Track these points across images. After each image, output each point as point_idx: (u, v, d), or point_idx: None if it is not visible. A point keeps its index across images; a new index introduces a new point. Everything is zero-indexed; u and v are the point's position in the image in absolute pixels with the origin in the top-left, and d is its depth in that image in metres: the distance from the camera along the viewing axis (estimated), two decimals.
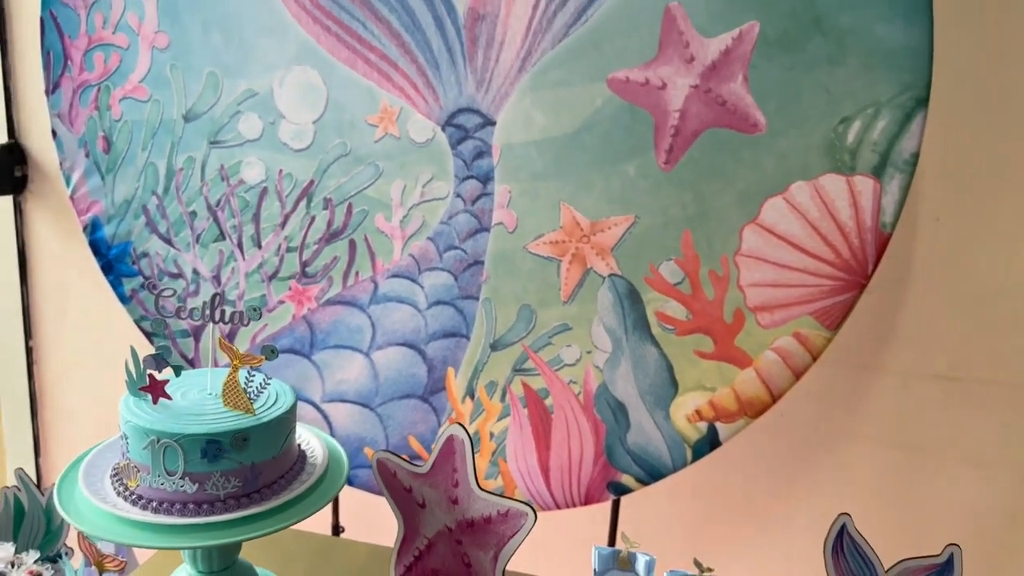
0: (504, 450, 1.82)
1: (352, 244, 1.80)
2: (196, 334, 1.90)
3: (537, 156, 1.67)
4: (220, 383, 1.12)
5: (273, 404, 1.06)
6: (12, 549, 1.37)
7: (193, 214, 1.85)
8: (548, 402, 1.78)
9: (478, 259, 1.75)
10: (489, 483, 1.81)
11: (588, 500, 1.77)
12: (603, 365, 1.73)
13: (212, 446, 0.96)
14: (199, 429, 0.98)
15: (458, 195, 1.74)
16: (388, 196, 1.77)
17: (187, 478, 0.96)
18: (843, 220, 1.56)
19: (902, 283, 1.73)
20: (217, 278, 1.87)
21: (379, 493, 1.88)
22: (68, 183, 1.89)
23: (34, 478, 1.41)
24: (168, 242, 1.88)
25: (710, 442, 1.71)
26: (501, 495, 1.04)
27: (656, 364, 1.70)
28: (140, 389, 1.05)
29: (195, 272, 1.87)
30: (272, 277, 1.85)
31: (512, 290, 1.75)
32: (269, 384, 1.09)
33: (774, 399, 1.66)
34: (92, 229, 1.90)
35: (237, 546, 1.09)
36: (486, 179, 1.72)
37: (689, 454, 1.72)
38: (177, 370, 1.15)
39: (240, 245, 1.85)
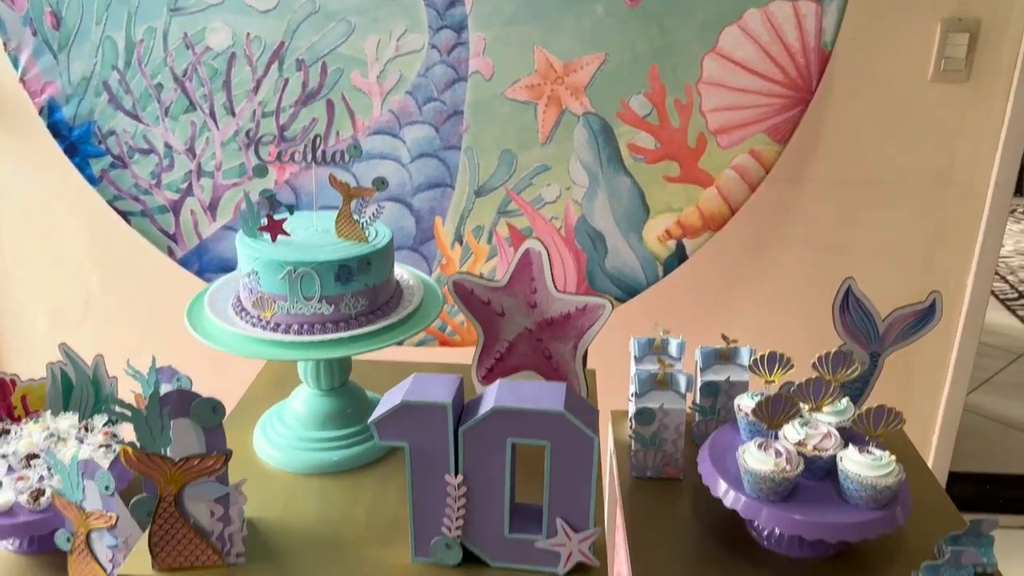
0: None
1: (330, 104, 1.84)
2: (175, 209, 1.91)
3: (509, 1, 1.75)
4: (324, 222, 1.19)
5: (377, 235, 1.15)
6: (76, 418, 1.42)
7: (159, 86, 1.83)
8: None
9: (457, 109, 1.84)
10: None
11: None
12: (581, 199, 1.88)
13: (343, 270, 1.05)
14: (330, 256, 1.06)
15: (433, 46, 1.80)
16: (363, 52, 1.81)
17: (324, 301, 1.06)
18: (790, 42, 1.75)
19: (824, 99, 1.95)
20: (191, 150, 1.87)
21: None
22: (16, 65, 1.81)
23: None
24: (135, 118, 1.85)
25: (679, 257, 1.92)
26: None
27: (629, 192, 1.87)
28: (259, 229, 1.11)
29: (167, 146, 1.87)
30: (250, 144, 1.87)
31: (492, 136, 1.85)
32: (382, 213, 1.16)
33: (733, 212, 1.88)
34: (49, 111, 1.84)
35: (349, 366, 1.19)
36: (460, 28, 1.79)
37: (660, 270, 1.93)
38: (291, 208, 1.21)
39: (213, 114, 1.85)
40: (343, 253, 1.07)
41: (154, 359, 1.42)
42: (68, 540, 1.22)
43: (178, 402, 0.93)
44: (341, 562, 0.99)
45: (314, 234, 1.16)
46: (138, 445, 0.91)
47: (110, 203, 1.91)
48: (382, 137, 1.87)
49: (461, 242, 1.93)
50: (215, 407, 0.92)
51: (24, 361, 2.39)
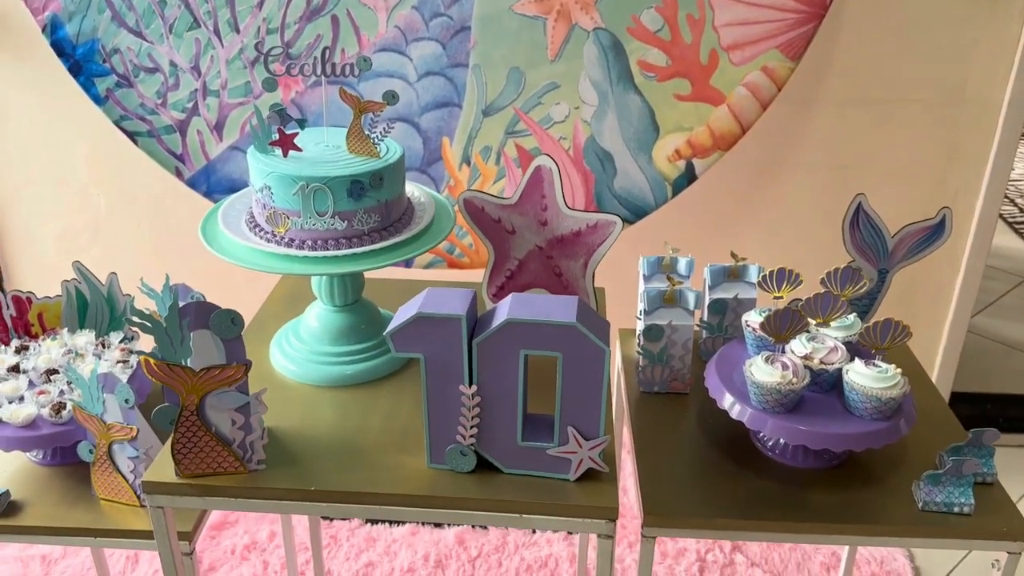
0: None
1: (335, 20, 1.81)
2: (182, 129, 1.90)
3: None
4: (335, 137, 1.19)
5: (388, 151, 1.15)
6: (92, 335, 1.44)
7: (162, 3, 1.80)
8: None
9: (464, 25, 1.81)
10: None
11: None
12: (590, 119, 1.87)
13: (356, 186, 1.06)
14: (342, 172, 1.06)
15: None
16: None
17: (336, 217, 1.06)
18: None
19: (838, 15, 1.91)
20: (196, 68, 1.85)
21: None
22: None
23: None
24: (139, 35, 1.83)
25: (688, 178, 1.91)
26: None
27: (639, 111, 1.86)
28: (270, 144, 1.11)
29: (172, 64, 1.85)
30: (255, 62, 1.85)
31: (500, 54, 1.83)
32: (392, 130, 1.16)
33: (744, 131, 1.87)
34: (52, 29, 1.82)
35: (362, 282, 1.21)
36: None
37: (669, 191, 1.92)
38: (301, 123, 1.20)
39: (217, 31, 1.82)
40: (355, 168, 1.08)
41: (168, 276, 1.44)
42: (90, 452, 1.25)
43: (197, 314, 0.94)
44: (359, 468, 1.02)
45: (325, 150, 1.16)
46: (159, 356, 0.93)
47: (117, 123, 1.90)
48: (388, 55, 1.84)
49: (469, 163, 1.92)
50: (234, 318, 0.94)
51: (34, 283, 2.42)
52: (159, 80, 1.86)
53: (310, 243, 1.07)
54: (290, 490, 0.98)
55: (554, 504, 0.96)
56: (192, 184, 1.95)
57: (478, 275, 1.31)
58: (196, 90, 1.87)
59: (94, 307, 1.50)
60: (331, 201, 1.05)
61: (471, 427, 0.97)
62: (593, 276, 1.23)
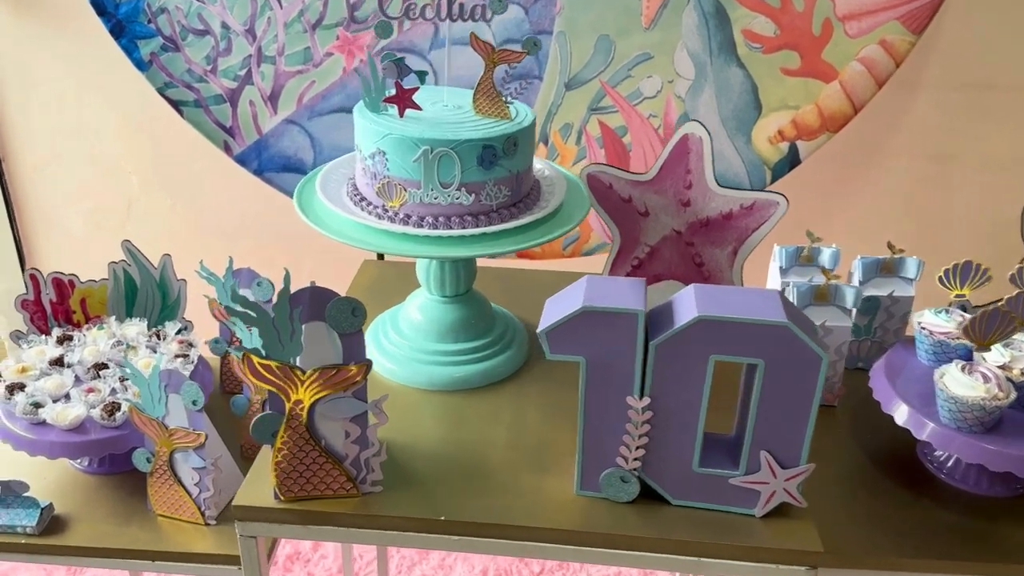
0: None
1: None
2: (233, 99, 1.72)
3: None
4: (456, 97, 1.01)
5: (518, 114, 0.97)
6: (144, 324, 1.27)
7: None
8: (626, 140, 1.73)
9: None
10: None
11: None
12: (685, 94, 1.69)
13: (488, 152, 0.87)
14: (472, 134, 0.88)
15: None
16: None
17: (463, 189, 0.88)
18: None
19: None
20: (251, 31, 1.67)
21: None
22: None
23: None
24: None
25: (790, 162, 1.73)
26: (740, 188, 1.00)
27: (741, 87, 1.67)
28: (384, 101, 0.93)
29: (224, 26, 1.66)
30: (316, 25, 1.67)
31: (588, 20, 1.65)
32: (527, 88, 0.98)
33: (856, 111, 1.68)
34: None
35: (475, 269, 1.03)
36: None
37: (768, 176, 1.74)
38: (421, 76, 1.01)
39: None
40: (487, 131, 0.89)
41: (231, 260, 1.26)
42: (148, 460, 1.07)
43: (312, 302, 0.76)
44: (491, 493, 0.84)
45: (444, 110, 0.98)
46: (263, 353, 0.75)
47: (160, 91, 1.72)
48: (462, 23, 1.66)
49: (546, 143, 1.74)
50: (355, 308, 0.76)
51: (59, 266, 2.23)
52: (209, 44, 1.68)
53: (430, 220, 0.89)
54: (413, 519, 0.80)
55: (740, 547, 0.78)
56: (242, 161, 1.77)
57: (559, 266, 1.13)
58: (250, 56, 1.69)
59: (144, 293, 1.33)
60: (458, 170, 0.87)
61: (637, 447, 0.79)
62: (742, 268, 1.05)
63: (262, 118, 1.74)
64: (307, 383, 0.76)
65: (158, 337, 1.23)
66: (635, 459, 0.80)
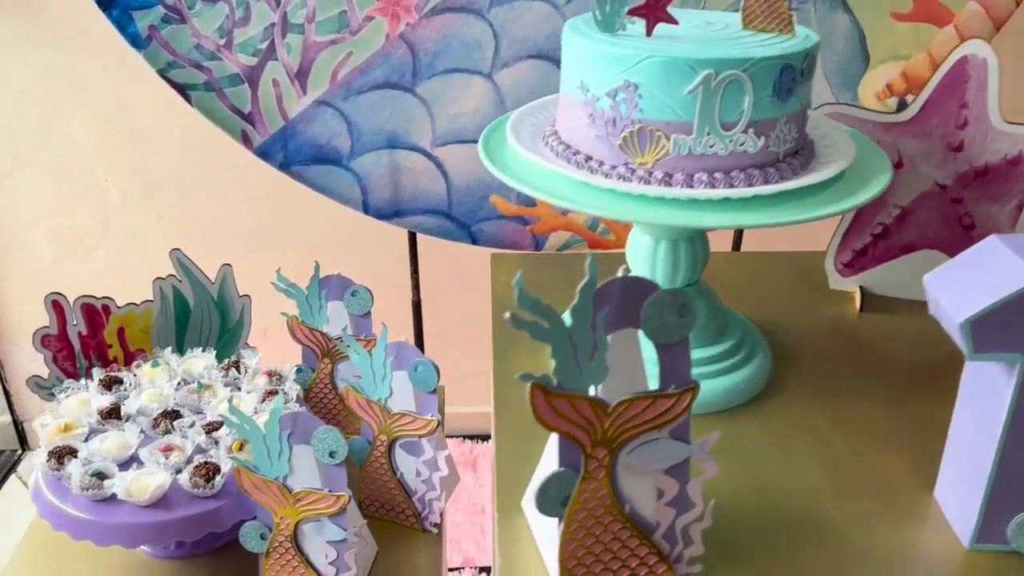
0: None
1: None
2: (252, 78, 1.43)
3: None
4: (699, 15, 0.75)
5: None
6: (212, 356, 0.98)
7: None
8: None
9: None
10: None
11: None
12: None
13: (787, 76, 0.61)
14: (768, 52, 0.62)
15: None
16: None
17: (751, 130, 0.63)
18: None
19: None
20: None
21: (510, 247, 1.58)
22: None
23: None
24: None
25: None
26: None
27: (846, 35, 1.47)
28: (631, 12, 0.66)
29: None
30: None
31: None
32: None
33: None
34: None
35: (707, 254, 0.76)
36: None
37: None
38: None
39: None
40: (783, 47, 0.65)
41: (318, 264, 0.99)
42: (263, 538, 0.79)
43: (621, 304, 0.50)
44: (849, 560, 0.60)
45: (702, 30, 0.72)
46: (562, 385, 0.49)
47: (162, 74, 1.42)
48: None
49: None
50: (683, 305, 0.49)
51: (22, 298, 1.88)
52: (222, 12, 1.38)
53: (705, 178, 0.63)
54: None
55: None
56: (264, 153, 1.48)
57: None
58: (272, 25, 1.40)
59: (199, 315, 1.04)
60: (748, 102, 0.62)
61: None
62: None
63: (288, 100, 1.45)
64: (612, 420, 0.50)
65: (236, 370, 0.94)
66: None
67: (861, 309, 0.87)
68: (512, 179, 0.68)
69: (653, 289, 0.49)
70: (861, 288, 0.86)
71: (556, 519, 0.52)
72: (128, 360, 1.00)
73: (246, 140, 1.47)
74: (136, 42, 1.39)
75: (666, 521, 0.54)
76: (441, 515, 0.93)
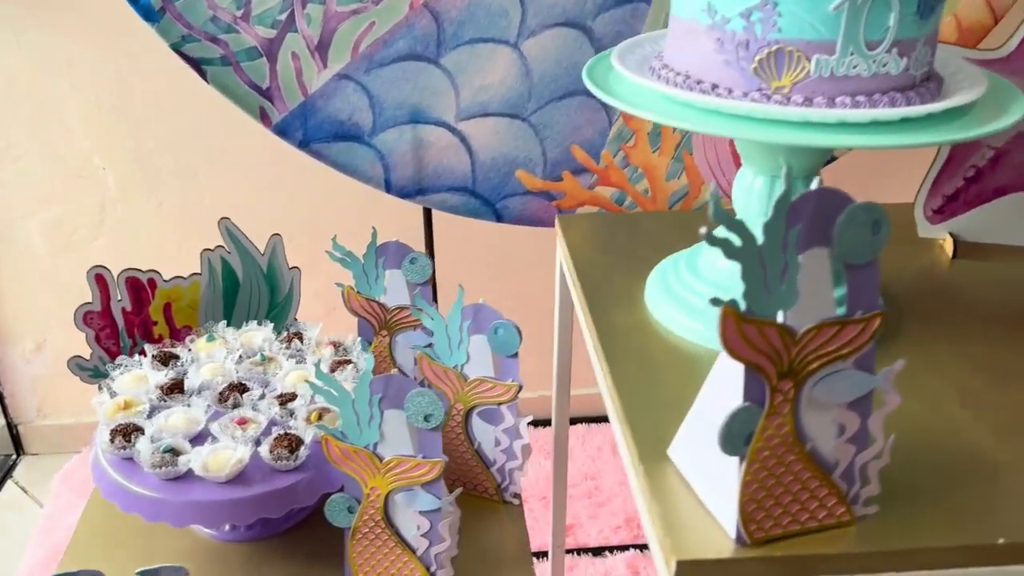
0: (689, 142, 1.52)
1: None
2: (271, 52, 1.37)
3: None
4: None
5: None
6: (269, 329, 0.92)
7: None
8: None
9: None
10: (673, 182, 1.53)
11: None
12: None
13: None
14: None
15: None
16: None
17: (895, 49, 0.60)
18: None
19: None
20: None
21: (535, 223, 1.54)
22: None
23: None
24: None
25: None
26: None
27: None
28: None
29: None
30: None
31: None
32: None
33: (996, 20, 1.49)
34: None
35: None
36: None
37: None
38: None
39: None
40: None
41: (375, 231, 0.95)
42: (351, 511, 0.74)
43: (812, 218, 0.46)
44: (1004, 481, 0.56)
45: None
46: (742, 306, 0.44)
47: (176, 48, 1.35)
48: None
49: None
50: (877, 220, 0.46)
51: (15, 291, 1.80)
52: None
53: (847, 101, 0.60)
54: (954, 549, 0.51)
55: None
56: (282, 130, 1.42)
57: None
58: None
59: (248, 288, 0.98)
60: (894, 20, 0.58)
61: None
62: None
63: (308, 74, 1.39)
64: (799, 349, 0.46)
65: (299, 340, 0.89)
66: None
67: (954, 256, 0.85)
68: (651, 113, 0.64)
69: (848, 203, 0.45)
70: (952, 235, 0.84)
71: (723, 462, 0.48)
72: (175, 338, 0.95)
73: (264, 117, 1.41)
74: (148, 15, 1.33)
75: (846, 459, 0.50)
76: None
